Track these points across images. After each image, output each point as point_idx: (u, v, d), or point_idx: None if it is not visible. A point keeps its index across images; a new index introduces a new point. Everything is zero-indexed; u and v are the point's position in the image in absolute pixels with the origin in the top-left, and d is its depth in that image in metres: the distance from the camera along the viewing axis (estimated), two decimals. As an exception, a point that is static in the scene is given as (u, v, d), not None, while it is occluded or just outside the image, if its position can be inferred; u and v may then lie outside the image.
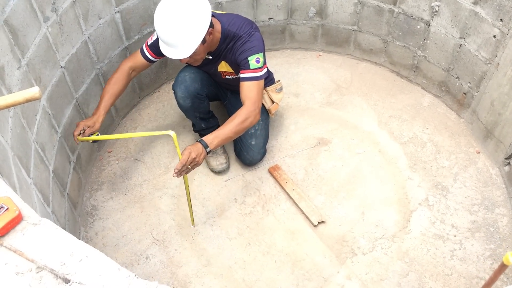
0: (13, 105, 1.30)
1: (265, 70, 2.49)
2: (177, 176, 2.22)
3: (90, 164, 2.90)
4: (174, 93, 2.73)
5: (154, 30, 3.00)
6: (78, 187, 2.71)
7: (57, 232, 1.10)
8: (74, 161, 2.64)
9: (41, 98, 1.34)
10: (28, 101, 1.33)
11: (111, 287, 1.03)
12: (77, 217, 2.64)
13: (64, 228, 2.33)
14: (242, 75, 2.45)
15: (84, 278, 1.04)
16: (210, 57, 2.54)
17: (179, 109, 2.83)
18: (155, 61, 2.63)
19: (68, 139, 2.54)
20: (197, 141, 2.29)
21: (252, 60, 2.41)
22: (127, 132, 3.14)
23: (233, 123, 2.35)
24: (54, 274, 1.03)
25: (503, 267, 1.45)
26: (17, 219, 1.11)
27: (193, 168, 2.26)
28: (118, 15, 2.75)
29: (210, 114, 2.90)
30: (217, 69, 2.65)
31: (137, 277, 1.04)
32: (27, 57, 2.10)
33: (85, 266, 1.05)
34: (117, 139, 3.07)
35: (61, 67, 2.42)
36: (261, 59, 2.44)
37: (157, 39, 2.47)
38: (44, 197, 2.11)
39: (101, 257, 1.06)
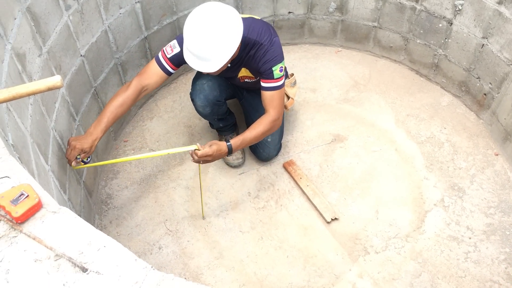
0: (35, 93, 1.31)
1: (285, 77, 2.48)
2: (193, 161, 2.30)
3: (106, 153, 2.92)
4: (193, 101, 2.68)
5: (173, 21, 3.01)
6: (93, 175, 2.73)
7: (76, 221, 1.11)
8: (91, 149, 2.66)
9: (63, 86, 1.35)
10: (49, 89, 1.33)
11: (128, 277, 1.04)
12: (92, 205, 2.66)
13: (79, 216, 2.35)
14: (265, 84, 2.43)
15: (101, 268, 1.04)
16: (229, 65, 2.43)
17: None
18: (173, 73, 2.49)
19: (85, 127, 2.55)
20: (226, 143, 2.36)
21: (276, 70, 2.39)
22: (143, 122, 3.14)
23: (257, 131, 2.43)
24: (72, 262, 1.04)
25: None
26: (37, 207, 1.12)
27: (203, 163, 2.33)
28: (138, 5, 2.75)
29: (227, 113, 2.89)
30: (237, 75, 2.62)
31: (154, 269, 1.05)
32: (48, 44, 2.11)
33: (102, 255, 1.06)
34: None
35: (81, 55, 2.43)
36: (284, 67, 2.44)
37: (180, 52, 2.34)
38: (61, 184, 2.13)
39: (118, 247, 1.07)
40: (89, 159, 2.26)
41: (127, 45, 2.81)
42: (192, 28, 2.14)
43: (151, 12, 2.85)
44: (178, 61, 2.39)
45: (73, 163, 2.16)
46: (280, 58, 2.40)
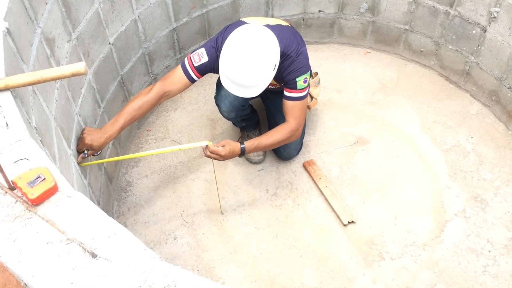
0: (59, 78, 1.33)
1: (309, 87, 2.47)
2: (204, 155, 2.33)
3: (129, 141, 2.95)
4: (218, 107, 2.67)
5: (203, 14, 3.02)
6: (115, 162, 2.77)
7: (90, 207, 1.12)
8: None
9: (87, 73, 1.37)
10: (73, 75, 1.36)
11: (136, 266, 1.05)
12: (111, 191, 2.70)
13: (99, 201, 2.40)
14: (287, 94, 2.42)
15: (111, 255, 1.06)
16: None
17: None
18: (197, 80, 2.45)
19: (109, 114, 2.59)
20: (240, 145, 2.37)
21: (300, 81, 2.37)
22: (167, 113, 3.17)
23: (274, 138, 2.44)
24: (83, 247, 1.06)
25: None
26: (53, 190, 1.14)
27: (215, 159, 2.34)
28: (169, -4, 2.77)
29: (251, 113, 2.87)
30: None
31: (162, 260, 1.06)
32: (77, 31, 2.15)
33: (112, 242, 1.07)
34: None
35: (110, 43, 2.46)
36: (308, 78, 2.41)
37: (207, 62, 2.34)
38: (82, 169, 2.17)
39: (129, 235, 1.08)
40: (98, 153, 2.23)
41: (155, 35, 2.83)
42: (232, 57, 2.14)
43: (181, 4, 2.87)
44: (204, 70, 2.38)
45: (79, 158, 2.11)
46: (305, 70, 2.37)
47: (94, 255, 1.05)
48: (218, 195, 2.65)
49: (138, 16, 2.63)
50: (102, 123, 2.49)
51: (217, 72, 2.33)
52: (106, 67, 2.47)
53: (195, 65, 2.35)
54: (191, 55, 2.36)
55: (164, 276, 1.02)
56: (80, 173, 2.12)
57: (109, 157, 2.63)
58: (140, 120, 3.04)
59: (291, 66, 2.35)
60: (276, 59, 2.20)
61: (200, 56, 2.34)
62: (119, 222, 2.57)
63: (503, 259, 2.49)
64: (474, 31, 2.94)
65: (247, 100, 2.67)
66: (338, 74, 3.39)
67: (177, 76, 2.37)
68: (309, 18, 3.37)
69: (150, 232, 2.63)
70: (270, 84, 2.58)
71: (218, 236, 2.62)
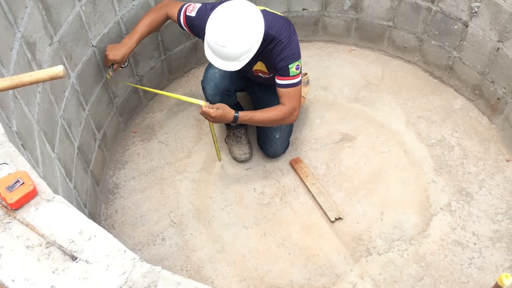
0: (38, 82, 1.33)
1: (301, 75, 2.50)
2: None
3: (115, 143, 2.95)
4: (203, 89, 2.72)
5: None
6: (102, 164, 2.76)
7: (69, 210, 1.12)
8: (100, 139, 2.69)
9: (65, 77, 1.37)
10: (52, 79, 1.35)
11: (116, 268, 1.05)
12: (99, 193, 2.70)
13: (85, 204, 2.39)
14: (281, 82, 2.45)
15: (91, 257, 1.06)
16: None
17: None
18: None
19: (95, 117, 2.59)
20: (233, 112, 2.44)
21: (293, 68, 2.41)
22: (153, 114, 3.17)
23: (268, 115, 2.50)
24: (63, 250, 1.06)
25: None
26: (32, 194, 1.14)
27: (206, 118, 2.47)
28: (152, -3, 2.77)
29: (237, 106, 2.89)
30: (252, 68, 2.63)
31: (142, 261, 1.06)
32: (59, 34, 2.14)
33: (92, 245, 1.08)
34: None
35: (93, 46, 2.46)
36: (300, 65, 2.45)
37: (197, 17, 2.45)
38: (67, 172, 2.17)
39: (108, 237, 1.09)
40: (125, 65, 2.54)
41: (139, 37, 2.83)
42: (214, 28, 2.20)
43: (164, 5, 2.86)
44: (191, 24, 2.50)
45: (109, 73, 2.52)
46: (297, 56, 2.42)
47: (74, 258, 1.06)
48: (215, 141, 2.71)
49: (121, 18, 2.63)
50: (87, 126, 2.49)
51: (199, 36, 2.50)
52: (90, 69, 2.46)
53: (187, 14, 2.49)
54: (190, 4, 2.51)
55: (144, 276, 1.03)
56: (65, 176, 2.12)
57: (95, 159, 2.62)
58: (126, 121, 3.04)
59: (284, 53, 2.38)
60: (259, 33, 2.24)
61: (193, 9, 2.48)
62: (107, 224, 2.59)
63: (489, 251, 2.52)
64: (456, 26, 2.97)
65: (232, 85, 2.71)
66: (323, 71, 3.41)
67: (174, 14, 2.54)
68: (293, 16, 3.38)
69: (138, 234, 2.63)
70: (261, 72, 2.62)
71: (206, 236, 2.62)
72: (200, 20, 2.44)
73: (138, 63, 2.92)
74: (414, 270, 2.47)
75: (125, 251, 1.06)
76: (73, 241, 1.08)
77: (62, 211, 1.13)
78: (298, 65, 2.42)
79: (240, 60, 2.27)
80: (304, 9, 3.38)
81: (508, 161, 2.87)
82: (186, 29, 2.57)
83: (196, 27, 2.49)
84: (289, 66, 2.40)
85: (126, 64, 2.56)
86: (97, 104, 2.60)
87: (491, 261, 2.49)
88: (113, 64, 2.50)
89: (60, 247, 1.06)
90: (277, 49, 2.38)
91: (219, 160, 2.84)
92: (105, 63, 2.50)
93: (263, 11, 2.36)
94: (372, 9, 3.27)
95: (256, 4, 3.22)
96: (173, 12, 2.54)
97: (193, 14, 2.47)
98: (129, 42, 2.48)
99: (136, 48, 2.80)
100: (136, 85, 2.90)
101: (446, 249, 2.53)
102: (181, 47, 3.18)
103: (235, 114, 2.44)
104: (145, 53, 2.93)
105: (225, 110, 2.43)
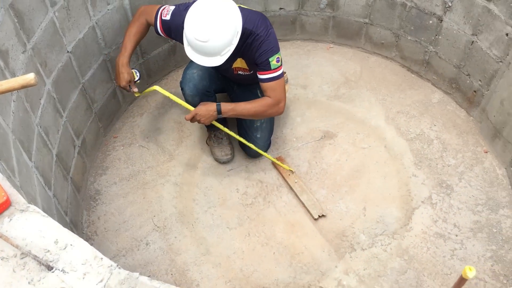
0: (8, 90, 1.31)
1: (282, 67, 2.52)
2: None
3: (95, 149, 2.92)
4: (182, 90, 2.72)
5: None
6: (82, 171, 2.74)
7: (44, 219, 1.11)
8: (79, 145, 2.67)
9: (37, 84, 1.35)
10: (24, 87, 1.33)
11: (93, 276, 1.04)
12: (80, 200, 2.67)
13: (66, 212, 2.37)
14: (263, 76, 2.47)
15: (67, 266, 1.05)
16: None
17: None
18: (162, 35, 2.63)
19: (73, 123, 2.56)
20: (216, 104, 2.51)
21: (273, 61, 2.43)
22: (133, 118, 3.15)
23: (251, 106, 2.53)
24: (38, 261, 1.05)
25: (462, 281, 1.43)
26: (5, 205, 1.13)
27: (196, 121, 2.56)
28: (126, 1, 2.75)
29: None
30: (231, 65, 2.63)
31: (119, 267, 1.05)
32: (32, 41, 2.11)
33: (68, 254, 1.07)
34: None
35: (68, 51, 2.43)
36: (280, 58, 2.47)
37: (172, 20, 2.46)
38: (46, 181, 2.14)
39: (84, 245, 1.08)
40: (138, 77, 2.59)
41: (115, 41, 2.81)
42: (192, 24, 2.20)
43: (140, 8, 2.84)
44: (167, 28, 2.51)
45: (134, 92, 2.60)
46: (276, 49, 2.44)
47: (50, 268, 1.05)
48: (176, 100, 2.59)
49: (96, 23, 2.61)
50: (65, 133, 2.46)
51: (177, 39, 2.49)
52: (65, 76, 2.43)
53: (163, 18, 2.50)
54: (164, 7, 2.51)
55: (121, 283, 1.02)
56: (44, 185, 2.10)
57: (75, 166, 2.60)
58: (106, 127, 3.01)
59: (263, 47, 2.40)
60: (238, 26, 2.26)
61: (168, 13, 2.49)
62: (90, 231, 2.57)
63: (470, 242, 2.56)
64: (431, 21, 3.00)
65: (211, 85, 2.71)
66: (302, 70, 3.42)
67: (151, 19, 2.54)
68: (271, 16, 3.39)
69: (122, 240, 2.61)
70: (241, 69, 2.63)
71: (190, 238, 2.62)
72: (175, 22, 2.44)
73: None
74: (398, 264, 2.49)
75: (101, 258, 1.05)
76: (48, 250, 1.07)
77: (37, 220, 1.12)
78: (278, 57, 2.44)
79: (222, 55, 2.28)
80: (281, 8, 3.39)
81: (486, 152, 2.91)
82: (162, 35, 2.57)
83: (173, 30, 2.49)
84: (270, 60, 2.42)
85: (138, 77, 2.60)
86: (75, 110, 2.58)
87: (472, 252, 2.52)
88: (130, 86, 2.58)
89: (35, 258, 1.05)
90: (255, 43, 2.40)
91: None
92: (125, 89, 2.57)
93: (238, 7, 2.36)
94: (348, 7, 3.29)
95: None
96: (151, 18, 2.54)
97: (168, 17, 2.48)
98: (123, 61, 2.50)
99: (113, 52, 2.81)
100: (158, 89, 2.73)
101: (428, 241, 2.56)
102: (159, 50, 3.17)
103: (217, 104, 2.50)
104: (122, 57, 2.90)
105: (206, 105, 2.50)
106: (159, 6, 2.54)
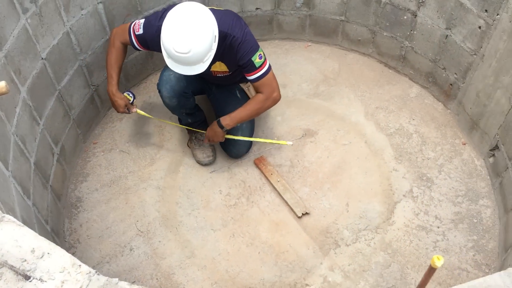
0: (-21, 99, 1.29)
1: (268, 61, 2.53)
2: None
3: (75, 156, 2.89)
4: (160, 92, 2.70)
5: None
6: (62, 178, 2.70)
7: (20, 229, 1.10)
8: (58, 152, 2.63)
9: (9, 92, 1.33)
10: (-5, 95, 1.32)
11: (71, 283, 1.03)
12: (61, 208, 2.64)
13: (47, 221, 2.34)
14: (251, 77, 2.51)
15: (45, 275, 1.04)
16: None
17: (165, 105, 2.83)
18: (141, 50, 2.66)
19: (51, 131, 2.53)
20: (216, 121, 2.66)
21: (256, 59, 2.44)
22: (112, 123, 3.12)
23: (248, 108, 2.60)
24: (15, 270, 1.03)
25: (431, 270, 1.45)
26: (-21, 216, 1.11)
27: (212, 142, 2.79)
28: (101, 6, 2.72)
29: (196, 109, 2.88)
30: (209, 68, 2.62)
31: (98, 274, 1.04)
32: (5, 49, 2.08)
33: (46, 262, 1.05)
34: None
35: (42, 58, 2.40)
36: (262, 53, 2.48)
37: (145, 32, 2.44)
38: (24, 190, 2.11)
39: (62, 253, 1.06)
40: (132, 99, 2.67)
41: (91, 46, 2.78)
42: (173, 41, 2.17)
43: (114, 12, 2.82)
44: (144, 42, 2.51)
45: (136, 111, 2.69)
46: (256, 47, 2.45)
47: (27, 277, 1.03)
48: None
49: (70, 28, 2.58)
50: (43, 141, 2.43)
51: (155, 49, 2.44)
52: (41, 83, 2.40)
53: (137, 33, 2.50)
54: (134, 23, 2.51)
55: (101, 289, 1.01)
56: (23, 194, 2.07)
57: (55, 174, 2.57)
58: (85, 133, 2.98)
59: (242, 48, 2.40)
60: (215, 29, 2.26)
61: (140, 27, 2.49)
62: (72, 239, 2.54)
63: (452, 233, 2.59)
64: (405, 17, 3.04)
65: (189, 86, 2.70)
66: (281, 69, 3.43)
67: (126, 38, 2.54)
68: (247, 16, 3.39)
69: (105, 246, 2.59)
70: (220, 72, 2.63)
71: (174, 242, 2.60)
72: (149, 33, 2.44)
73: (92, 73, 2.87)
74: (382, 258, 2.51)
75: (80, 265, 1.04)
76: (25, 260, 1.05)
77: (12, 230, 1.10)
78: (260, 54, 2.46)
79: (204, 61, 2.27)
80: (257, 8, 3.39)
81: (465, 144, 2.95)
82: (142, 49, 2.59)
83: (149, 42, 2.49)
84: (252, 59, 2.43)
85: (132, 98, 2.68)
86: (52, 118, 2.54)
87: (454, 243, 2.56)
88: (128, 109, 2.64)
89: (12, 268, 1.04)
90: (234, 44, 2.39)
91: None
92: (126, 113, 2.65)
93: (210, 9, 2.35)
94: (324, 5, 3.31)
95: (207, 5, 3.23)
96: (125, 38, 2.55)
97: (141, 31, 2.47)
98: (113, 90, 2.58)
99: (89, 58, 2.78)
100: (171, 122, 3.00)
101: (411, 234, 2.59)
102: (136, 53, 3.14)
103: (217, 121, 2.64)
104: (99, 62, 2.88)
105: (211, 126, 2.70)
106: (129, 23, 2.54)
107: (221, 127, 2.64)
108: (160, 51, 2.32)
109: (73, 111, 2.77)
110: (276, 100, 2.63)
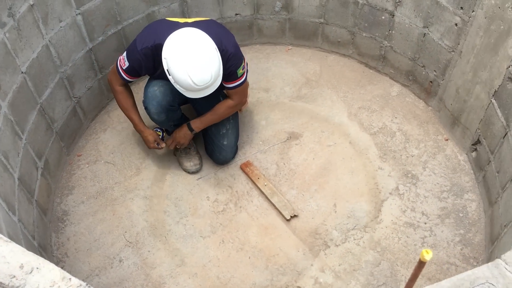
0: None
1: (246, 71, 2.62)
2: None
3: (60, 169, 2.86)
4: (146, 109, 2.67)
5: (118, 31, 2.97)
6: (47, 192, 2.67)
7: (6, 245, 1.08)
8: (42, 167, 2.60)
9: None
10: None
11: (62, 297, 1.02)
12: (47, 223, 2.61)
13: (33, 236, 2.31)
14: (229, 85, 2.57)
15: (35, 290, 1.03)
16: None
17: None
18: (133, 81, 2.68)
19: (34, 145, 2.50)
20: (186, 125, 2.72)
21: (239, 69, 2.52)
22: (96, 135, 3.09)
23: (218, 113, 2.69)
24: (4, 287, 1.02)
25: (421, 264, 1.47)
26: (-35, 234, 1.10)
27: (177, 146, 2.81)
28: (79, 17, 2.70)
29: (182, 118, 2.87)
30: None
31: (89, 286, 1.04)
32: (-16, 64, 2.06)
33: (35, 277, 1.04)
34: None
35: (22, 72, 2.38)
36: (245, 64, 2.56)
37: (131, 61, 2.48)
38: (9, 206, 2.08)
39: (51, 267, 1.05)
40: (162, 134, 2.85)
41: (71, 58, 2.76)
42: (193, 77, 2.23)
43: (94, 23, 2.81)
44: (133, 71, 2.55)
45: (166, 145, 2.81)
46: (241, 58, 2.52)
47: (17, 294, 1.02)
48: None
49: (50, 41, 2.56)
50: (26, 155, 2.40)
51: (148, 73, 2.59)
52: (22, 97, 2.38)
53: (124, 68, 2.54)
54: (119, 59, 2.57)
55: (92, 302, 1.01)
56: (8, 210, 2.04)
57: (39, 188, 2.54)
58: (69, 146, 2.95)
59: (232, 60, 2.46)
60: (217, 49, 2.32)
61: (124, 61, 2.53)
62: (60, 254, 2.51)
63: (439, 228, 2.63)
64: (383, 17, 3.08)
65: (175, 99, 2.69)
66: (263, 73, 3.45)
67: (119, 78, 2.60)
68: (227, 22, 3.40)
69: (94, 259, 2.56)
70: None
71: (164, 251, 2.59)
72: (135, 61, 2.48)
73: (73, 85, 2.85)
74: (372, 257, 2.53)
75: (70, 279, 1.03)
76: (14, 276, 1.04)
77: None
78: (243, 65, 2.53)
79: (217, 81, 2.37)
80: (236, 14, 3.40)
81: (447, 140, 3.00)
82: (135, 79, 2.64)
83: (138, 69, 2.53)
84: (237, 71, 2.50)
85: (162, 134, 2.85)
86: (35, 132, 2.52)
87: (442, 238, 2.59)
88: (157, 143, 2.77)
89: (1, 284, 1.02)
90: (224, 57, 2.41)
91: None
92: (158, 148, 2.78)
93: (195, 23, 2.38)
94: (302, 8, 3.34)
95: (188, 13, 3.24)
96: (119, 79, 2.60)
97: (127, 64, 2.51)
98: (140, 128, 2.73)
99: (69, 70, 2.76)
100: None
101: (399, 232, 2.62)
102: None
103: (187, 124, 2.71)
104: (80, 74, 2.86)
105: (179, 129, 2.74)
106: (114, 64, 2.61)
107: (191, 130, 2.72)
108: (153, 72, 2.48)
109: (56, 124, 2.75)
110: (243, 103, 2.78)
